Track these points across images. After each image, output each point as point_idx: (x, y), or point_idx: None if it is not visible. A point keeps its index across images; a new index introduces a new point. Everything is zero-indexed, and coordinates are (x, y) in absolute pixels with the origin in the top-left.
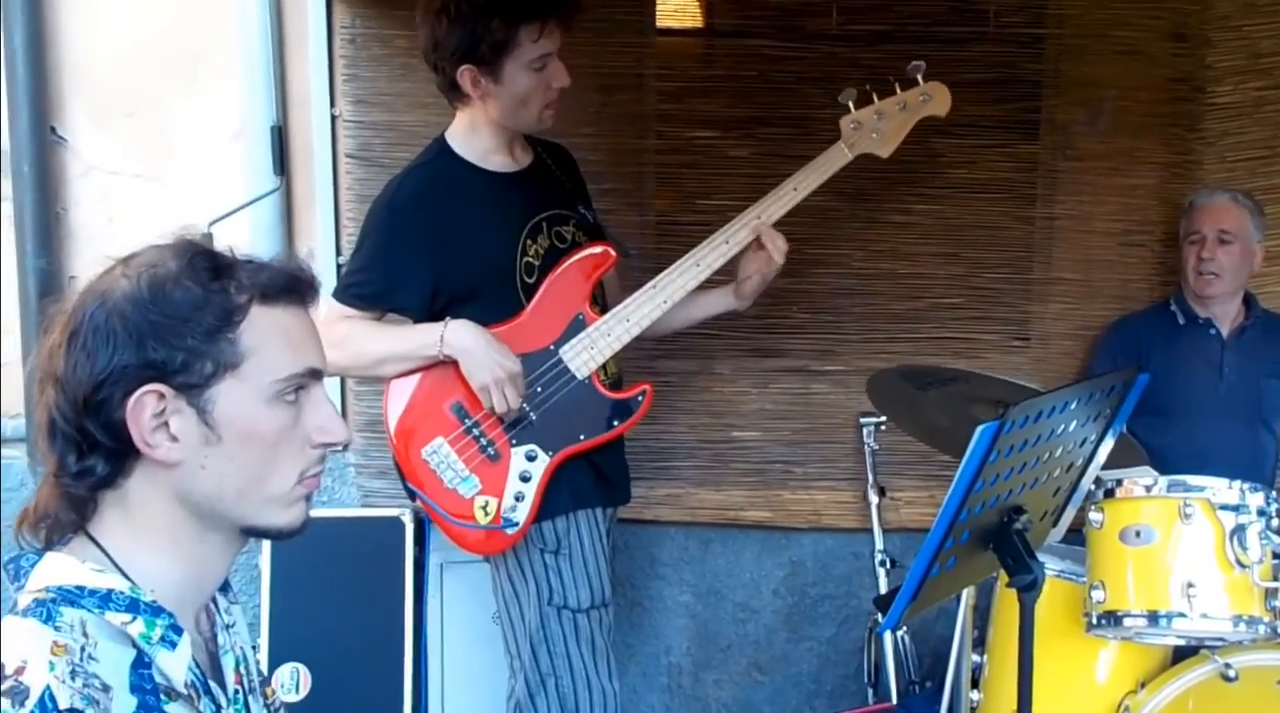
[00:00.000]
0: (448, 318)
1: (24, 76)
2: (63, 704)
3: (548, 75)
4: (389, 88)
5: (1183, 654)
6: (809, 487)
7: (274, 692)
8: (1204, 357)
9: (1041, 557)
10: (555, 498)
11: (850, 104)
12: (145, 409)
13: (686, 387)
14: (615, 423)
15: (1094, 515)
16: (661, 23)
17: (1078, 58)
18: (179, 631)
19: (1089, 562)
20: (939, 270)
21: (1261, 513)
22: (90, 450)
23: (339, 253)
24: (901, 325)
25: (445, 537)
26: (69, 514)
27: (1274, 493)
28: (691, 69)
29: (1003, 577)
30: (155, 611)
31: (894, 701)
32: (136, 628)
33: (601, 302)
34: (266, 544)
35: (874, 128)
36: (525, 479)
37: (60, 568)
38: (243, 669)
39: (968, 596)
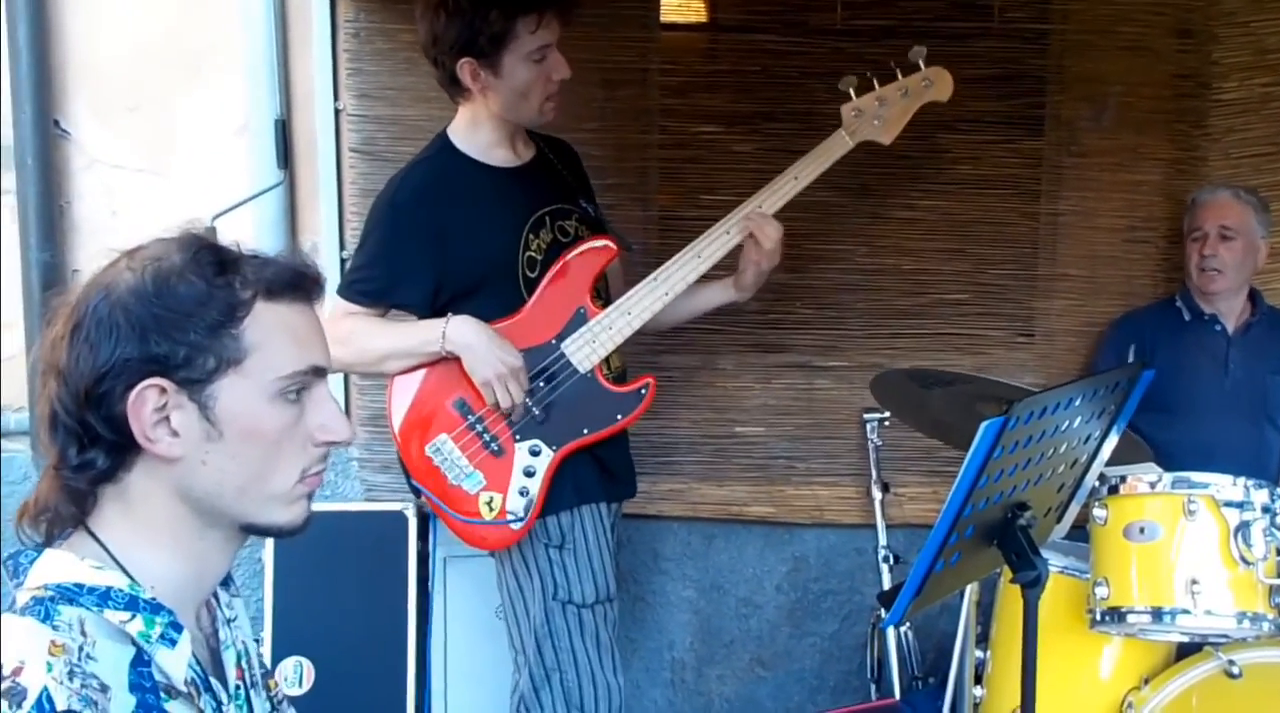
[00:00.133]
0: (449, 314)
1: (28, 70)
2: (60, 706)
3: (547, 67)
4: (393, 82)
5: (1186, 651)
6: (812, 482)
7: (276, 684)
8: (1209, 353)
9: (1045, 553)
10: (560, 493)
11: (851, 91)
12: (146, 403)
13: (689, 382)
14: (619, 417)
15: (1098, 512)
16: (665, 17)
17: (1082, 53)
18: (179, 628)
19: (1093, 558)
20: (943, 266)
21: (1266, 510)
22: (91, 444)
23: (343, 247)
24: (905, 321)
25: (449, 531)
26: (69, 508)
27: (1279, 490)
28: (695, 64)
29: (1006, 573)
30: (154, 608)
31: (897, 696)
32: (135, 626)
33: (604, 296)
34: (270, 538)
35: (875, 115)
36: (529, 474)
37: (59, 565)
38: (244, 664)
39: (971, 592)
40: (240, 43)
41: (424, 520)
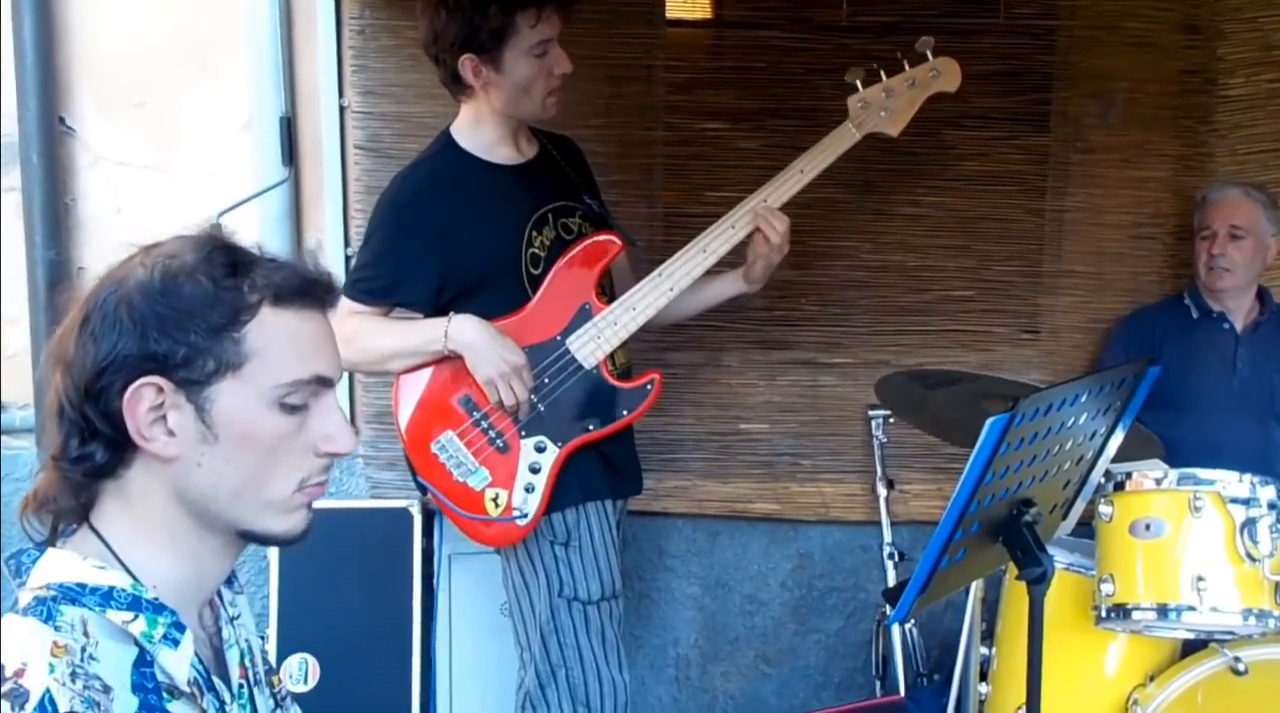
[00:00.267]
0: (452, 313)
1: (33, 67)
2: (63, 708)
3: (549, 62)
4: (398, 79)
5: (1192, 648)
6: (817, 479)
7: (281, 681)
8: (1217, 351)
9: (1051, 550)
10: (565, 490)
11: (858, 83)
12: (142, 401)
13: (694, 379)
14: (624, 413)
15: (1103, 509)
16: (670, 14)
17: (1089, 50)
18: (181, 628)
19: (1098, 555)
20: (948, 263)
21: (1272, 506)
22: (90, 437)
23: (347, 244)
24: (910, 318)
25: (454, 528)
26: (68, 500)
27: None
28: (700, 60)
29: (1012, 569)
30: (157, 608)
31: (902, 693)
32: (138, 627)
33: (609, 292)
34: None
35: (882, 106)
36: (535, 471)
37: (62, 565)
38: (247, 663)
39: (976, 588)
40: (245, 40)
41: (429, 517)
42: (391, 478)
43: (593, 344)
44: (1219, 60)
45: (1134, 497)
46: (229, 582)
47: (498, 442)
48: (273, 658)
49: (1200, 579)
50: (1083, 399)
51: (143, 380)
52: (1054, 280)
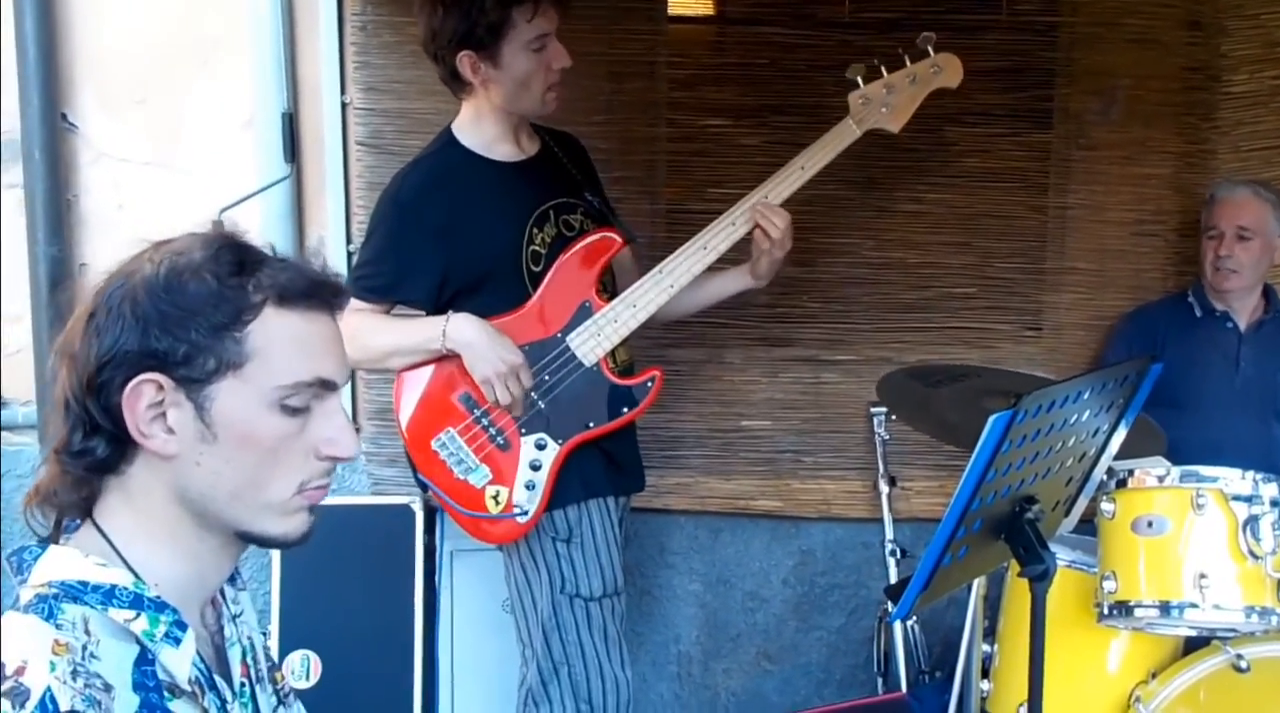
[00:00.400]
0: (450, 312)
1: (35, 63)
2: (64, 706)
3: (547, 56)
4: (400, 75)
5: (1194, 645)
6: (819, 476)
7: (283, 677)
8: (1220, 350)
9: (1053, 547)
10: (567, 487)
11: (859, 79)
12: (142, 398)
13: (696, 376)
14: (625, 410)
15: (1106, 506)
16: (673, 10)
17: (1091, 46)
18: (183, 627)
19: (1100, 552)
20: (951, 260)
21: (1275, 504)
22: (92, 432)
23: (349, 241)
24: (913, 315)
25: (455, 525)
26: (70, 495)
27: None
28: (703, 57)
29: (1014, 567)
30: (159, 607)
31: (904, 690)
32: (140, 625)
33: (610, 289)
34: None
35: (883, 102)
36: (536, 468)
37: (64, 562)
38: (249, 661)
39: (978, 585)
40: (247, 36)
41: (431, 514)
42: (393, 474)
43: (593, 341)
44: (1222, 57)
45: (1136, 494)
46: (232, 579)
47: (498, 439)
48: (275, 654)
49: (1203, 577)
50: (1085, 396)
51: (142, 377)
52: (1056, 277)
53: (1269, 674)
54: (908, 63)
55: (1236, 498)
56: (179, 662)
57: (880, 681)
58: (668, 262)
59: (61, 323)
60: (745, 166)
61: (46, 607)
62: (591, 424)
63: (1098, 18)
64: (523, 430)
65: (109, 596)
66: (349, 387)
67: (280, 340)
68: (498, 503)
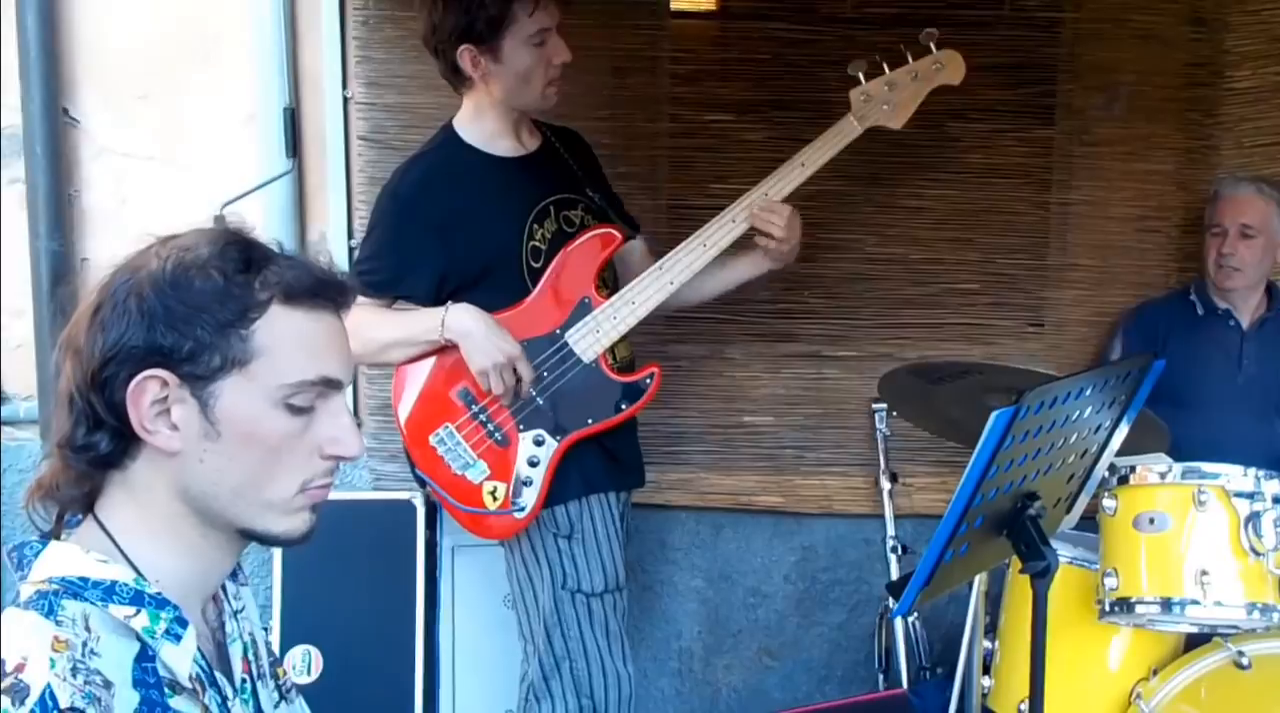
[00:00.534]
0: (449, 302)
1: (36, 58)
2: (63, 703)
3: (548, 51)
4: (402, 70)
5: (1195, 642)
6: (820, 472)
7: (285, 673)
8: (1223, 347)
9: (1054, 543)
10: (567, 483)
11: (860, 76)
12: (146, 394)
13: (698, 371)
14: (624, 406)
15: (1107, 502)
16: (675, 5)
17: (1094, 42)
18: (184, 623)
19: (1102, 549)
20: (953, 256)
21: (1277, 500)
22: (96, 427)
23: (351, 236)
24: (915, 311)
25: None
26: (72, 489)
27: None
28: (705, 52)
29: (1015, 563)
30: (160, 603)
31: (905, 686)
32: (140, 621)
33: (611, 285)
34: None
35: (885, 99)
36: (533, 464)
37: (64, 559)
38: (250, 657)
39: (980, 582)
40: (249, 31)
41: (432, 510)
42: (395, 470)
43: (591, 338)
44: (1225, 53)
45: (1138, 491)
46: (233, 575)
47: (496, 435)
48: (276, 649)
49: (1204, 573)
50: (1088, 393)
51: (147, 373)
52: (1059, 274)
53: (1270, 671)
54: (910, 59)
55: (1238, 495)
56: (179, 658)
57: (881, 677)
58: (667, 258)
59: (63, 318)
60: (747, 162)
61: (46, 603)
62: (590, 421)
63: (1101, 13)
64: (521, 427)
65: (109, 592)
66: (351, 384)
67: (286, 339)
68: (495, 499)
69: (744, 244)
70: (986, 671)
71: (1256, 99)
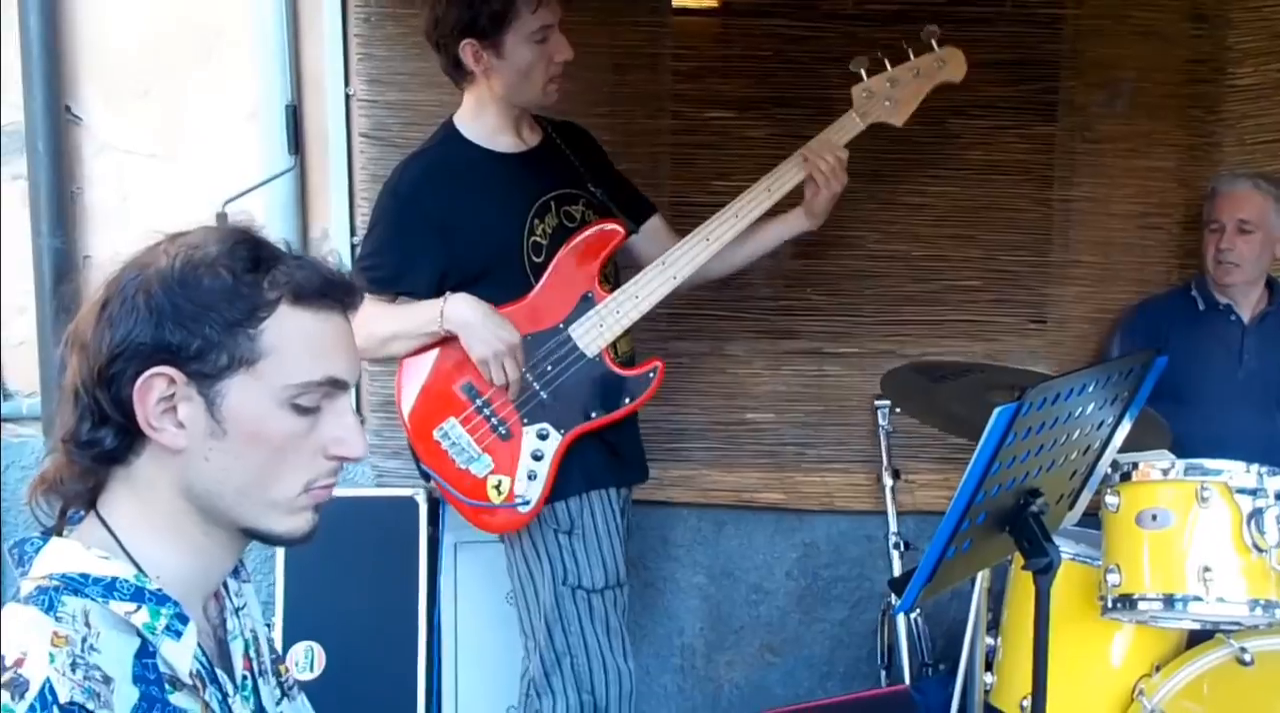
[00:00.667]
0: (448, 293)
1: (39, 55)
2: (63, 698)
3: (549, 48)
4: (403, 67)
5: (1198, 638)
6: (822, 469)
7: (288, 670)
8: (1224, 343)
9: (1057, 540)
10: (569, 478)
11: (862, 72)
12: (153, 390)
13: (700, 368)
14: (626, 400)
15: (1110, 499)
16: (676, 2)
17: (1096, 39)
18: (184, 620)
19: (1104, 545)
20: (955, 253)
21: (1279, 497)
22: (101, 423)
23: (353, 233)
24: (917, 308)
25: (459, 516)
26: (76, 485)
27: None
28: (707, 49)
29: (1018, 559)
30: (160, 599)
31: (907, 683)
32: (141, 618)
33: (614, 280)
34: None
35: (887, 95)
36: (538, 458)
37: (65, 555)
38: (252, 654)
39: (982, 578)
40: (251, 28)
41: (434, 506)
42: (397, 466)
43: (594, 332)
44: (1227, 49)
45: (1141, 487)
46: (235, 572)
47: (500, 429)
48: (279, 646)
49: (1207, 570)
50: (1090, 389)
51: (154, 370)
52: (1061, 270)
53: (1273, 668)
54: (911, 56)
55: (1241, 491)
56: (180, 655)
57: (884, 673)
58: (670, 252)
59: (66, 315)
60: (749, 159)
61: (46, 599)
62: (593, 415)
63: (1102, 10)
64: (524, 420)
65: (110, 588)
66: None
67: (293, 339)
68: (500, 493)
69: (775, 213)
70: (989, 667)
71: (1258, 96)
